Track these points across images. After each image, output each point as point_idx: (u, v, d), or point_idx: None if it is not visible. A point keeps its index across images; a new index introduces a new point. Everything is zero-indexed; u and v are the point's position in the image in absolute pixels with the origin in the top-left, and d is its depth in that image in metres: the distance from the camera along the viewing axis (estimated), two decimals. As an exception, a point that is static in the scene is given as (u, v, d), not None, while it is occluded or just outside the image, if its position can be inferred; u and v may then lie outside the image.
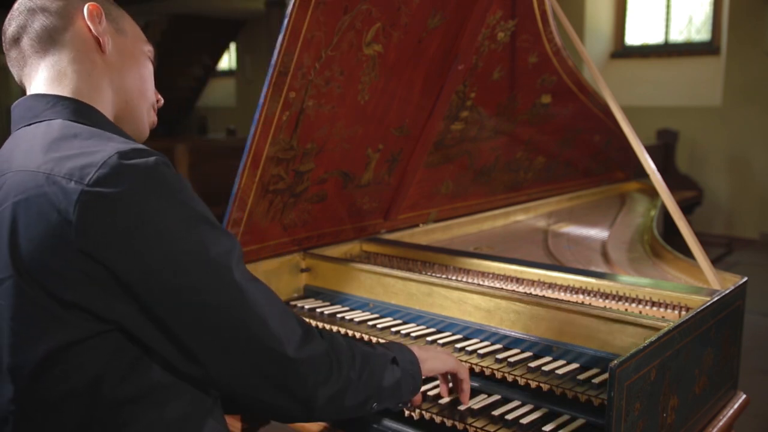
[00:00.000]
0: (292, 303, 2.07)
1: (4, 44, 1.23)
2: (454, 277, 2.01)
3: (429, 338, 1.75)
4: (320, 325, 1.91)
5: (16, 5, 1.21)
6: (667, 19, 8.53)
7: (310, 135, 1.95)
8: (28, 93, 1.21)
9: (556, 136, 3.14)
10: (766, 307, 4.97)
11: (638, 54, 8.67)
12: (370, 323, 1.88)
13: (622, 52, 8.80)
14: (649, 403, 1.35)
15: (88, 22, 1.19)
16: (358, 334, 1.82)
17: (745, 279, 1.80)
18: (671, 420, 1.45)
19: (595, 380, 1.48)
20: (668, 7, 8.51)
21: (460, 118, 2.48)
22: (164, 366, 1.09)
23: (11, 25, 1.20)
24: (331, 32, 1.79)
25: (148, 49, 1.32)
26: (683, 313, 1.68)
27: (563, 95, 2.91)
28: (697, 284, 2.00)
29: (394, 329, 1.83)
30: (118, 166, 0.99)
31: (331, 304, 2.04)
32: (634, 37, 8.80)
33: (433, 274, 1.98)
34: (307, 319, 1.94)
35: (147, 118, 1.31)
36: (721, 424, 1.70)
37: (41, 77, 1.19)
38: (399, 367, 1.30)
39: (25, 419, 1.05)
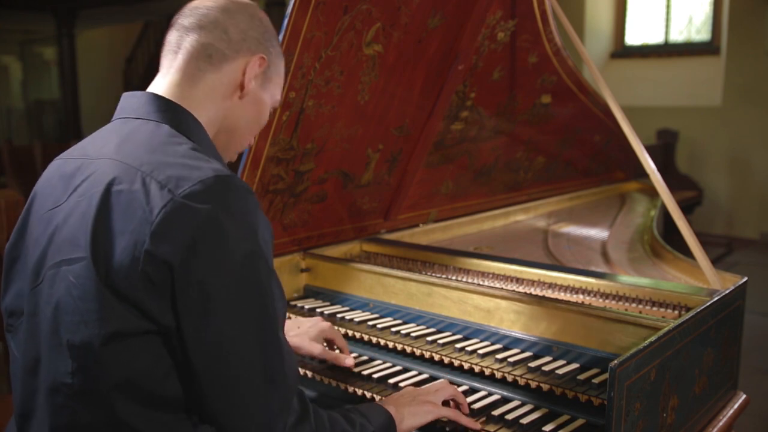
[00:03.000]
0: (292, 303, 2.07)
1: (174, 21, 1.27)
2: (454, 277, 2.01)
3: (429, 338, 1.74)
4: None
5: (211, 2, 1.25)
6: (667, 19, 8.53)
7: (310, 135, 1.95)
8: (156, 80, 1.25)
9: (556, 136, 3.14)
10: (766, 307, 4.97)
11: (638, 54, 8.66)
12: (370, 323, 1.88)
13: (622, 52, 8.80)
14: (649, 403, 1.35)
15: (248, 70, 1.25)
16: (358, 334, 1.82)
17: (745, 279, 1.80)
18: (671, 420, 1.45)
19: (595, 380, 1.48)
20: (668, 7, 8.51)
21: (460, 118, 2.48)
22: None
23: (191, 16, 1.24)
24: (331, 32, 1.79)
25: (277, 100, 1.36)
26: (683, 313, 1.68)
27: (563, 95, 2.91)
28: (697, 284, 2.00)
29: (394, 329, 1.83)
30: (211, 186, 1.04)
31: (331, 304, 2.04)
32: (634, 37, 8.80)
33: (433, 274, 1.98)
34: (307, 319, 1.95)
35: (228, 155, 1.34)
36: (721, 424, 1.70)
37: (171, 77, 1.23)
38: None
39: (77, 396, 1.06)
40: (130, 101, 1.23)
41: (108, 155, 1.13)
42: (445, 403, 1.46)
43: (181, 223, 1.01)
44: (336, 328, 1.87)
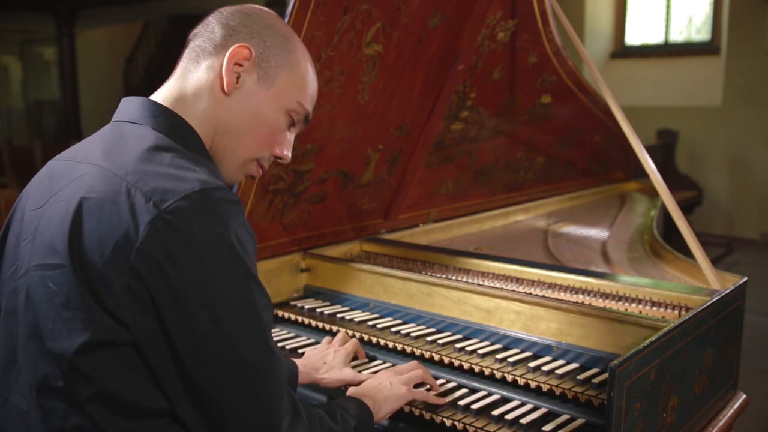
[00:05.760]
0: (292, 303, 2.07)
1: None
2: (454, 277, 2.01)
3: (429, 338, 1.74)
4: (320, 325, 1.91)
5: (211, 15, 1.25)
6: (667, 19, 8.53)
7: (310, 135, 1.95)
8: (160, 88, 1.24)
9: (556, 136, 3.14)
10: (766, 307, 4.97)
11: (638, 54, 8.67)
12: (370, 323, 1.88)
13: (622, 52, 8.80)
14: (649, 403, 1.35)
15: (225, 60, 1.19)
16: (358, 334, 1.82)
17: (745, 279, 1.80)
18: (671, 420, 1.45)
19: (595, 380, 1.48)
20: (668, 7, 8.52)
21: (460, 118, 2.48)
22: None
23: (197, 26, 1.26)
24: (331, 32, 1.79)
25: (294, 110, 1.26)
26: (683, 313, 1.68)
27: (563, 95, 2.91)
28: (697, 284, 2.00)
29: (394, 329, 1.83)
30: (197, 202, 1.02)
31: (331, 304, 2.04)
32: (634, 37, 8.81)
33: (433, 274, 1.98)
34: (307, 320, 1.95)
35: (237, 169, 1.27)
36: (721, 424, 1.70)
37: (169, 83, 1.23)
38: None
39: (66, 400, 1.06)
40: (127, 105, 1.22)
41: (93, 160, 1.11)
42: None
43: (165, 243, 1.00)
44: (336, 328, 1.87)
